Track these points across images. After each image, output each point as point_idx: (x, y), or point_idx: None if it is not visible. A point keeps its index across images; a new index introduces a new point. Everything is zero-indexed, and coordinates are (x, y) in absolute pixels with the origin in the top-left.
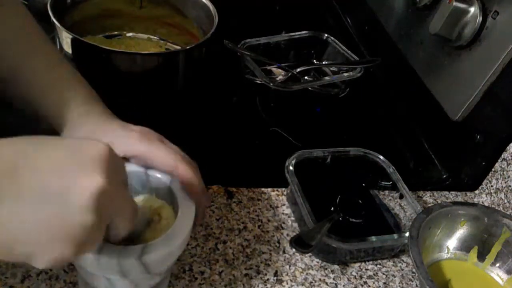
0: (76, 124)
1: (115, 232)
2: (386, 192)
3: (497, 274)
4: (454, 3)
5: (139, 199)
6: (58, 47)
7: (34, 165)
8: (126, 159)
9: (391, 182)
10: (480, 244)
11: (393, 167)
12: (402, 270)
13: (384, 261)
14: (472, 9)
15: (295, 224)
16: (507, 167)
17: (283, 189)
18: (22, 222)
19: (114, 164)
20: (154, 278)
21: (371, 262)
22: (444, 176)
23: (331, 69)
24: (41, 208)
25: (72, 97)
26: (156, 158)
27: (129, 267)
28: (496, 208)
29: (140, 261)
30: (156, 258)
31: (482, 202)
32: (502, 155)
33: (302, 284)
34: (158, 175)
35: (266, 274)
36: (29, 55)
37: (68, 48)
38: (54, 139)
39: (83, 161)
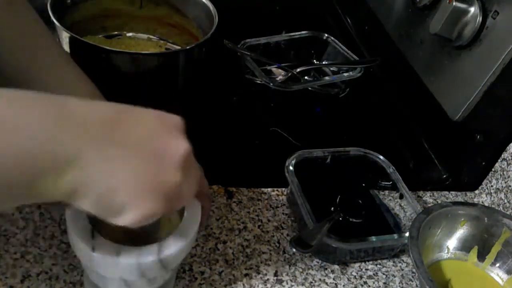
0: None
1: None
2: (386, 192)
3: (497, 274)
4: (454, 3)
5: None
6: None
7: (135, 120)
8: None
9: (391, 182)
10: (480, 244)
11: (393, 167)
12: (402, 270)
13: (384, 261)
14: (472, 9)
15: (295, 224)
16: (507, 167)
17: (283, 189)
18: (126, 169)
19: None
20: (168, 274)
21: (371, 262)
22: (444, 176)
23: (331, 69)
24: (141, 160)
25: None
26: None
27: (149, 266)
28: (496, 208)
29: (159, 259)
30: (173, 254)
31: (482, 202)
32: (502, 155)
33: (302, 284)
34: None
35: (266, 274)
36: (36, 54)
37: (67, 48)
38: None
39: (170, 127)
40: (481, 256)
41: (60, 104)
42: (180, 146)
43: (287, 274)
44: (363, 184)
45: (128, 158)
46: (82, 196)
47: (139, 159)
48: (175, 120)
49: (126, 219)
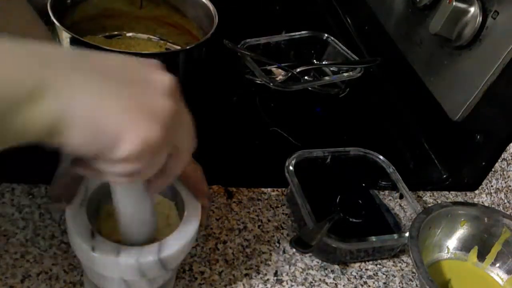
0: None
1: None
2: (386, 192)
3: (497, 274)
4: (454, 3)
5: None
6: None
7: (106, 56)
8: None
9: (391, 182)
10: (480, 244)
11: (393, 167)
12: (402, 270)
13: (384, 261)
14: (472, 9)
15: (295, 224)
16: (507, 167)
17: (283, 189)
18: (106, 93)
19: None
20: (168, 274)
21: (371, 262)
22: (444, 176)
23: (331, 69)
24: (127, 86)
25: None
26: None
27: (149, 266)
28: (496, 208)
29: (159, 259)
30: (172, 254)
31: (482, 202)
32: (502, 155)
33: (302, 284)
34: None
35: (266, 274)
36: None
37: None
38: None
39: (148, 64)
40: (481, 256)
41: (23, 42)
42: (164, 77)
43: (287, 274)
44: (363, 184)
45: (105, 83)
46: (66, 129)
47: (120, 84)
48: (153, 61)
49: (125, 148)
